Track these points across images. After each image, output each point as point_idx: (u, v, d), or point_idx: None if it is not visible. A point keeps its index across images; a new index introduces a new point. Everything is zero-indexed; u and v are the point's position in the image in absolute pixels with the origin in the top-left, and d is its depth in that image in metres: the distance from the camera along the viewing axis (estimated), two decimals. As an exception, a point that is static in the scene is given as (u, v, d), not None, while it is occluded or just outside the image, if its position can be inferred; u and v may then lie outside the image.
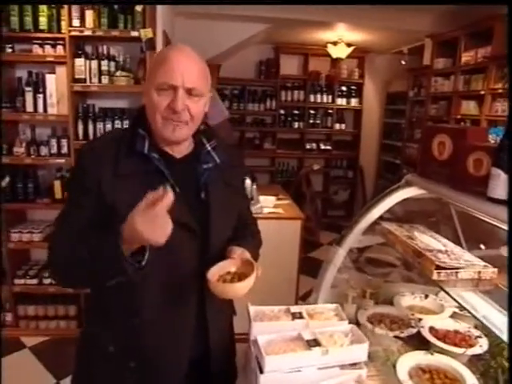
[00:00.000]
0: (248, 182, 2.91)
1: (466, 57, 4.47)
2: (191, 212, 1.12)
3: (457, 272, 1.27)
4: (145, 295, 1.11)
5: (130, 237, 0.95)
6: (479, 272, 1.28)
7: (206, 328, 1.21)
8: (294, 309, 1.31)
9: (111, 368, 1.16)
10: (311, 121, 6.48)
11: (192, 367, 1.22)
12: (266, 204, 3.21)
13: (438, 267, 1.26)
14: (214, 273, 1.11)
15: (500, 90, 3.94)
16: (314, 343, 1.13)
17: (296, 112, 6.44)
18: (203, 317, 1.19)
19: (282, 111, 6.39)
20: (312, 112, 6.48)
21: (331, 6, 4.39)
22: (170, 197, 0.93)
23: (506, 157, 1.13)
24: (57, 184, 2.99)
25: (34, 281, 3.08)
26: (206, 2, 4.24)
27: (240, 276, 1.12)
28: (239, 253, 1.17)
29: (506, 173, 1.13)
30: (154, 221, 0.92)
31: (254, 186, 3.13)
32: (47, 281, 3.07)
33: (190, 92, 1.08)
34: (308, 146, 6.52)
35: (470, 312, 1.19)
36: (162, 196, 0.92)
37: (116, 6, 2.83)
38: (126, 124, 2.92)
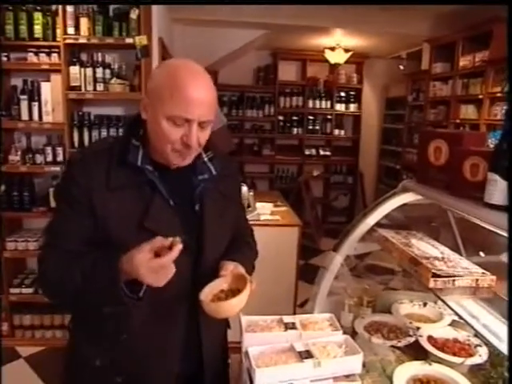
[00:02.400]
0: (244, 189, 2.89)
1: (463, 61, 4.46)
2: (185, 225, 1.09)
3: (454, 280, 1.25)
4: (134, 310, 1.07)
5: (129, 272, 0.95)
6: (477, 280, 1.26)
7: (199, 343, 1.17)
8: (288, 319, 1.27)
9: (97, 382, 1.13)
10: (310, 127, 6.47)
11: (184, 383, 1.18)
12: (263, 211, 3.18)
13: (435, 275, 1.24)
14: (207, 293, 1.08)
15: (498, 94, 3.92)
16: (307, 355, 1.10)
17: (295, 118, 6.44)
18: (196, 331, 1.16)
19: (281, 117, 6.39)
20: (311, 118, 6.47)
21: (328, 11, 4.38)
22: (178, 249, 0.93)
23: (502, 161, 1.11)
24: (52, 192, 2.96)
25: (30, 290, 3.05)
26: (201, 2, 4.23)
27: (234, 292, 1.09)
28: (231, 269, 1.13)
29: (504, 177, 1.10)
30: (158, 270, 0.93)
31: (251, 193, 3.11)
32: (43, 290, 3.04)
33: (202, 124, 1.04)
34: (307, 152, 6.51)
35: (466, 321, 1.16)
36: (170, 245, 0.93)
37: (111, 14, 2.83)
38: (121, 132, 2.90)
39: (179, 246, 0.93)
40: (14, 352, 3.00)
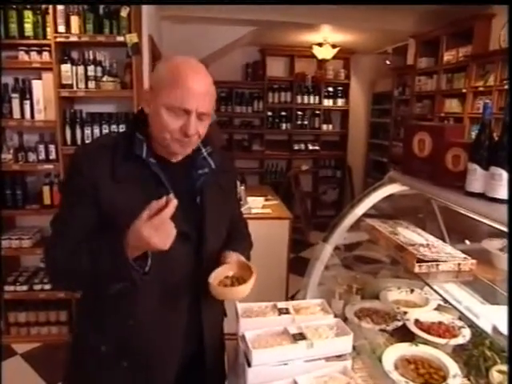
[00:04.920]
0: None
1: (447, 56, 4.55)
2: (186, 216, 1.14)
3: (437, 264, 1.31)
4: (138, 297, 1.12)
5: (134, 244, 0.98)
6: (459, 264, 1.33)
7: (200, 328, 1.22)
8: (281, 305, 1.34)
9: (103, 368, 1.17)
10: (299, 122, 6.53)
11: (185, 366, 1.24)
12: (255, 205, 3.24)
13: (419, 260, 1.30)
14: (213, 278, 1.13)
15: (481, 88, 4.02)
16: (300, 337, 1.16)
17: (283, 113, 6.49)
18: (197, 317, 1.21)
19: (270, 113, 6.43)
20: (299, 113, 6.53)
21: (315, 7, 4.44)
22: (173, 204, 0.96)
23: (481, 152, 1.18)
24: (46, 190, 2.98)
25: (25, 287, 3.06)
26: (193, 2, 4.26)
27: (238, 279, 1.15)
28: (235, 258, 1.20)
29: (483, 167, 1.17)
30: (158, 227, 0.95)
31: (243, 188, 3.17)
32: (38, 287, 3.07)
33: (200, 116, 1.09)
34: (296, 147, 6.56)
35: (450, 303, 1.23)
36: (165, 204, 0.96)
37: (101, 12, 2.85)
38: (113, 128, 2.93)
39: (174, 202, 0.96)
40: (9, 349, 3.01)
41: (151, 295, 1.13)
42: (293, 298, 3.16)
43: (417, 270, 1.30)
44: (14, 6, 2.74)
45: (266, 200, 3.50)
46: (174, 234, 0.98)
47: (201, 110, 1.08)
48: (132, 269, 0.99)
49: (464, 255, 1.37)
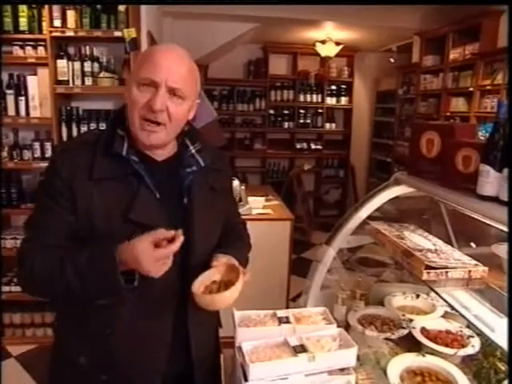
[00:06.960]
0: (236, 183, 2.87)
1: (454, 54, 4.47)
2: (172, 219, 1.07)
3: (447, 271, 1.25)
4: (118, 306, 1.05)
5: (125, 261, 0.95)
6: (469, 271, 1.26)
7: (187, 342, 1.15)
8: (281, 313, 1.26)
9: (82, 380, 1.10)
10: (301, 120, 6.46)
11: (172, 382, 1.16)
12: (255, 205, 3.17)
13: (428, 267, 1.24)
14: (199, 284, 1.06)
15: (488, 87, 3.94)
16: (301, 349, 1.09)
17: (286, 112, 6.42)
18: (184, 330, 1.13)
19: (272, 111, 6.36)
20: (302, 112, 6.45)
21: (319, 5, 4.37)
22: (180, 240, 0.95)
23: (494, 152, 1.11)
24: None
25: (20, 288, 2.99)
26: (196, 2, 4.20)
27: (227, 284, 1.08)
28: (223, 260, 1.12)
29: (496, 169, 1.10)
30: (158, 259, 0.94)
31: (243, 187, 3.10)
32: (33, 287, 3.00)
33: (173, 92, 1.02)
34: (299, 146, 6.49)
35: (459, 312, 1.17)
36: (172, 237, 0.95)
37: (98, 6, 2.78)
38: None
39: (181, 238, 0.95)
40: (4, 351, 2.95)
41: (132, 303, 1.05)
42: (294, 300, 3.10)
43: (425, 277, 1.24)
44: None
45: (267, 200, 3.44)
46: (168, 266, 0.97)
47: (171, 84, 1.01)
48: (122, 285, 0.95)
49: (475, 262, 1.30)
